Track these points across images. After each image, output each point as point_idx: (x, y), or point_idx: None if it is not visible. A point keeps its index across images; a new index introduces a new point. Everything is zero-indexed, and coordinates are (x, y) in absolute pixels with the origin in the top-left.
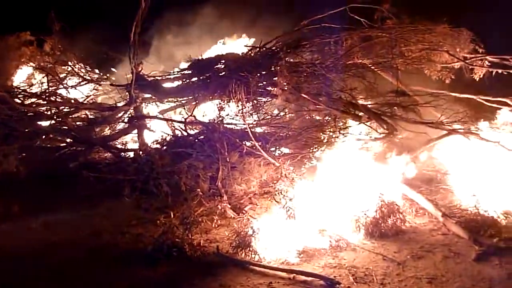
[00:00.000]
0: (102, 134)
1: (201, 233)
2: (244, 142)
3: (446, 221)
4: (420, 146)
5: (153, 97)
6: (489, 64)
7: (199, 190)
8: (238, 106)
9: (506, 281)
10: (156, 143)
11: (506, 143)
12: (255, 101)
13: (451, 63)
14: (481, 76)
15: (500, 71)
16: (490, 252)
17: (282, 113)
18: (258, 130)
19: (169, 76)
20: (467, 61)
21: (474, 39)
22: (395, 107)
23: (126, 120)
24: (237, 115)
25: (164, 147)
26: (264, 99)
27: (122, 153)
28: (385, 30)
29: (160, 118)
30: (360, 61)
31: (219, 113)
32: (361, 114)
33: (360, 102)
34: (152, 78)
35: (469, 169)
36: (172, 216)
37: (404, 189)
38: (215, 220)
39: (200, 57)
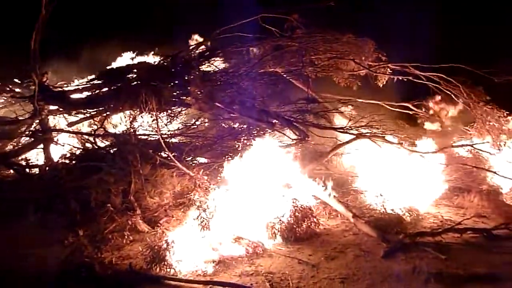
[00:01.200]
0: (4, 150)
1: (113, 250)
2: (158, 153)
3: (356, 221)
4: (331, 150)
5: (60, 109)
6: (391, 71)
7: (109, 205)
8: (151, 116)
9: (411, 275)
10: (64, 158)
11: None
12: (169, 111)
13: (357, 71)
14: (385, 83)
15: (401, 78)
16: (397, 248)
17: (197, 123)
18: (174, 140)
19: (77, 87)
20: (371, 69)
21: (377, 48)
22: (307, 114)
23: (30, 134)
24: (150, 126)
25: (73, 162)
26: (178, 109)
27: (26, 170)
28: (295, 39)
29: (68, 131)
30: (272, 69)
31: (131, 124)
32: (274, 121)
33: (273, 109)
34: (59, 89)
35: (376, 171)
36: (80, 234)
37: (317, 193)
38: (126, 236)
39: (110, 67)
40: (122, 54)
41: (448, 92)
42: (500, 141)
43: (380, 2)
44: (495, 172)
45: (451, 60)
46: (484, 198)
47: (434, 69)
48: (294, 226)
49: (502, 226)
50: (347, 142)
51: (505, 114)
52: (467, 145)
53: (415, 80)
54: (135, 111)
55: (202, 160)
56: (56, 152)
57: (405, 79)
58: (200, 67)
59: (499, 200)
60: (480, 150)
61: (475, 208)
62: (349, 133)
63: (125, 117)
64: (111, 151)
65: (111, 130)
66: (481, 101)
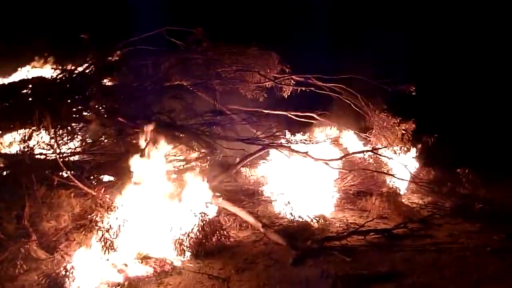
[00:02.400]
0: None
1: (4, 282)
2: (57, 173)
3: (266, 231)
4: (239, 162)
5: None
6: (294, 82)
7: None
8: (48, 134)
9: (320, 280)
10: None
11: (313, 153)
12: (68, 128)
13: (263, 83)
14: (289, 94)
15: (304, 88)
16: (305, 254)
17: (100, 139)
18: (76, 158)
19: None
20: (276, 81)
21: (282, 60)
22: (214, 126)
23: None
24: (48, 145)
25: None
26: (79, 125)
27: None
28: (200, 52)
29: None
30: (178, 82)
31: (26, 143)
32: (180, 134)
33: (179, 122)
34: None
35: (284, 180)
36: None
37: (226, 205)
38: (19, 265)
39: (2, 82)
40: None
41: (348, 101)
42: (396, 146)
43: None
44: (393, 175)
45: (351, 71)
46: (385, 200)
47: (335, 80)
48: (203, 241)
49: (401, 226)
50: (255, 153)
51: (398, 120)
52: (367, 151)
53: (317, 91)
54: (30, 129)
55: (107, 178)
56: None
57: (308, 90)
58: (101, 81)
59: (397, 201)
60: (380, 155)
61: (377, 210)
62: (256, 144)
63: (19, 136)
64: (3, 173)
65: (3, 151)
66: (378, 109)
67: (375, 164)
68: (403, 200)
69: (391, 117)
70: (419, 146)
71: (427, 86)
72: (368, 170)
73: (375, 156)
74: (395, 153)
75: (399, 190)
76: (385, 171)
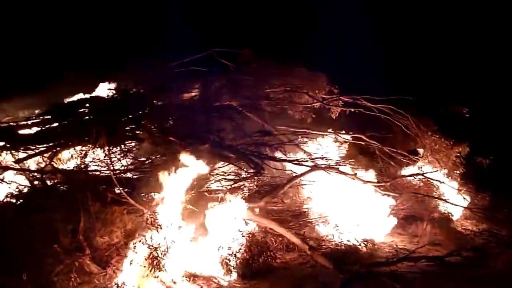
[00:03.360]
0: None
1: None
2: (110, 189)
3: (313, 253)
4: (286, 182)
5: (7, 145)
6: (343, 103)
7: (56, 246)
8: (103, 151)
9: None
10: (11, 197)
11: (362, 176)
12: (122, 146)
13: (311, 104)
14: (337, 115)
15: (352, 110)
16: (353, 279)
17: (152, 157)
18: (128, 175)
19: (26, 122)
20: (324, 102)
21: (330, 81)
22: (262, 146)
23: None
24: (102, 161)
25: (20, 201)
26: (131, 143)
27: None
28: (249, 73)
29: (15, 168)
30: (228, 102)
31: (82, 160)
32: (229, 154)
33: (228, 142)
34: (5, 125)
35: (332, 202)
36: (24, 278)
37: (273, 226)
38: (73, 278)
39: (62, 101)
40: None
41: (398, 123)
42: (448, 169)
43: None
44: (445, 200)
45: (401, 92)
46: (436, 226)
47: (385, 101)
48: (250, 261)
49: (454, 253)
50: (302, 174)
51: (451, 143)
52: (418, 174)
53: (366, 112)
54: (86, 147)
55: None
56: (2, 191)
57: (357, 111)
58: (154, 101)
59: (450, 227)
60: (431, 178)
61: (428, 236)
62: (304, 165)
63: (76, 153)
64: (60, 188)
65: (61, 166)
66: (429, 131)
67: (426, 188)
68: (456, 227)
69: (444, 139)
70: (472, 169)
71: (480, 106)
72: (419, 194)
73: (426, 179)
74: (448, 177)
75: (452, 215)
76: (437, 196)
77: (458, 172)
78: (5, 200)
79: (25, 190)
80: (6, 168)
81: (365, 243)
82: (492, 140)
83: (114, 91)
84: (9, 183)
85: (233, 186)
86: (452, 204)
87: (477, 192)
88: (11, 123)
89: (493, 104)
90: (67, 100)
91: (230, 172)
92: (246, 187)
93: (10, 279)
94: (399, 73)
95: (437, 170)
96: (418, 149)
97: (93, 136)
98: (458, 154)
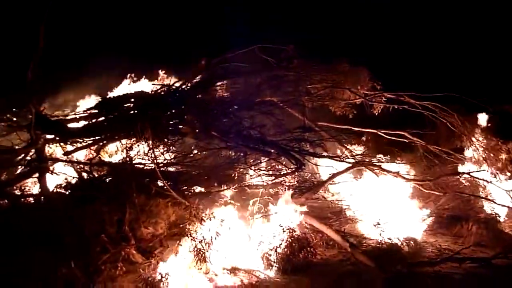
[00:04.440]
0: None
1: (106, 281)
2: (154, 182)
3: (353, 251)
4: (328, 179)
5: (57, 138)
6: (385, 100)
7: (103, 235)
8: (147, 145)
9: None
10: (60, 187)
11: (404, 173)
12: (165, 140)
13: (353, 100)
14: (380, 111)
15: (396, 106)
16: (396, 278)
17: (194, 152)
18: (170, 169)
19: (74, 116)
20: (367, 98)
21: (372, 77)
22: (303, 142)
23: (26, 163)
24: (146, 155)
25: (68, 191)
26: (174, 138)
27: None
28: (291, 69)
29: (64, 160)
30: (269, 98)
31: (127, 153)
32: (270, 150)
33: (269, 138)
34: (55, 118)
35: (373, 199)
36: (73, 266)
37: (313, 222)
38: (120, 267)
39: (108, 96)
40: (121, 82)
41: (444, 121)
42: (496, 169)
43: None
44: (492, 201)
45: (448, 89)
46: (482, 227)
47: (429, 98)
48: (291, 256)
49: (500, 255)
50: (344, 171)
51: (499, 142)
52: (464, 173)
53: (410, 108)
54: (131, 140)
55: (198, 189)
56: (52, 182)
57: (401, 108)
58: (197, 96)
59: (497, 229)
60: (477, 178)
61: (474, 237)
62: (345, 162)
63: (121, 146)
64: (107, 180)
65: (107, 159)
66: (476, 129)
67: (472, 188)
68: (503, 228)
69: (491, 137)
70: None
71: None
72: (464, 194)
73: (472, 179)
74: (495, 176)
75: (499, 216)
76: (483, 196)
77: (507, 171)
78: (55, 191)
79: (74, 181)
80: (56, 159)
81: (407, 242)
82: None
83: (158, 86)
84: (58, 175)
85: (274, 181)
86: (499, 204)
87: None
88: (61, 117)
89: None
90: (113, 94)
91: (271, 168)
92: (287, 183)
93: (61, 266)
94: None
95: (484, 170)
96: (464, 147)
97: (138, 130)
98: (507, 153)
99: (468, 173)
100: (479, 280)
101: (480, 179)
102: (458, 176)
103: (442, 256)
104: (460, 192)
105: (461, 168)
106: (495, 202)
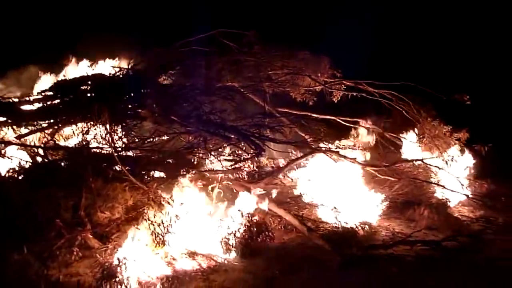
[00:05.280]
0: None
1: (60, 267)
2: (111, 167)
3: (311, 235)
4: (286, 165)
5: (9, 121)
6: (345, 87)
7: (58, 220)
8: (105, 129)
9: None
10: (13, 172)
11: (360, 159)
12: (123, 124)
13: (313, 87)
14: (339, 99)
15: (354, 94)
16: (350, 261)
17: (153, 137)
18: (129, 153)
19: (28, 98)
20: (326, 85)
21: (333, 65)
22: (263, 128)
23: None
24: (104, 139)
25: (22, 176)
26: (133, 122)
27: None
28: (252, 54)
29: (17, 144)
30: (230, 83)
31: (84, 137)
32: (230, 135)
33: (229, 123)
34: (7, 100)
35: (330, 185)
36: (25, 251)
37: (272, 207)
38: (75, 252)
39: (63, 78)
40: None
41: (399, 108)
42: (447, 155)
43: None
44: (443, 186)
45: (403, 78)
46: (434, 211)
47: (386, 86)
48: (249, 241)
49: (450, 238)
50: (302, 156)
51: (450, 129)
52: (417, 160)
53: (368, 96)
54: (88, 124)
55: (157, 174)
56: (4, 166)
57: (359, 95)
58: (157, 80)
59: (447, 213)
60: (430, 165)
61: (425, 221)
62: (305, 147)
63: (78, 130)
64: (62, 164)
65: (62, 143)
66: (430, 117)
67: (424, 174)
68: (453, 213)
69: (444, 125)
70: (471, 156)
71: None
72: (417, 180)
73: (425, 165)
74: (446, 163)
75: (449, 201)
76: (435, 182)
77: (456, 158)
78: (7, 175)
79: (27, 165)
80: (8, 143)
81: (362, 226)
82: (491, 128)
83: (117, 69)
84: (11, 158)
85: (233, 166)
86: (450, 190)
87: (476, 179)
88: (13, 99)
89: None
90: (69, 77)
91: (231, 153)
92: (247, 168)
93: (13, 252)
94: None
95: (436, 156)
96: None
97: (95, 113)
98: (458, 141)
99: (421, 160)
100: (430, 262)
101: (433, 166)
102: (411, 163)
103: (395, 239)
104: (414, 178)
105: (414, 155)
106: (446, 188)
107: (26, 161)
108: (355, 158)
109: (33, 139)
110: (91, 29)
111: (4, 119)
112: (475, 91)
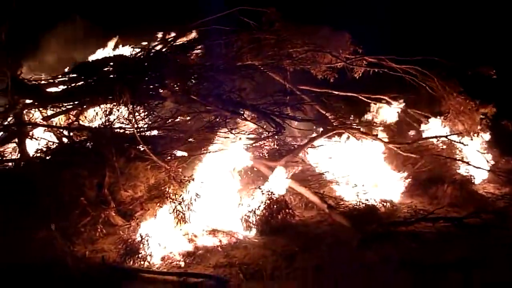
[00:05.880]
0: None
1: (86, 244)
2: (134, 146)
3: (331, 212)
4: (307, 142)
5: (36, 103)
6: (366, 64)
7: (83, 199)
8: (127, 109)
9: (384, 263)
10: (40, 152)
11: (382, 137)
12: (145, 104)
13: (334, 63)
14: (361, 75)
15: (377, 70)
16: (370, 237)
17: (174, 116)
18: (152, 133)
19: (53, 81)
20: (348, 62)
21: (354, 41)
22: (283, 106)
23: (4, 128)
24: (126, 119)
25: (48, 156)
26: (154, 102)
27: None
28: (272, 32)
29: (43, 125)
30: (250, 62)
31: (107, 117)
32: (250, 113)
33: (249, 102)
34: (33, 83)
35: (352, 162)
36: (52, 228)
37: (293, 185)
38: (99, 229)
39: (86, 60)
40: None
41: (424, 85)
42: (473, 132)
43: None
44: (468, 163)
45: (427, 53)
46: (457, 188)
47: (410, 61)
48: (269, 218)
49: (472, 215)
50: (323, 134)
51: (477, 104)
52: (440, 136)
53: (390, 72)
54: (111, 105)
55: (179, 153)
56: (32, 147)
57: (381, 71)
58: (177, 60)
59: (471, 190)
60: (454, 141)
61: (448, 198)
62: (326, 125)
63: (101, 111)
64: (87, 145)
65: (87, 124)
66: (455, 93)
67: (449, 150)
68: (478, 190)
69: (469, 101)
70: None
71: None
72: (441, 156)
73: (449, 142)
74: (472, 139)
75: (474, 178)
76: (459, 158)
77: (482, 134)
78: (35, 156)
79: (54, 146)
80: (35, 124)
81: (384, 203)
82: None
83: (138, 50)
84: (38, 139)
85: (253, 144)
86: (474, 167)
87: (502, 155)
88: (39, 81)
89: None
90: (92, 58)
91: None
92: (267, 146)
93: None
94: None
95: (461, 133)
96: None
97: (117, 94)
98: (484, 116)
99: (446, 136)
100: (451, 238)
101: (457, 142)
102: (436, 140)
103: (417, 216)
104: (438, 154)
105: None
106: (470, 164)
107: (53, 142)
108: (377, 135)
109: (59, 120)
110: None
111: (31, 101)
112: (502, 65)
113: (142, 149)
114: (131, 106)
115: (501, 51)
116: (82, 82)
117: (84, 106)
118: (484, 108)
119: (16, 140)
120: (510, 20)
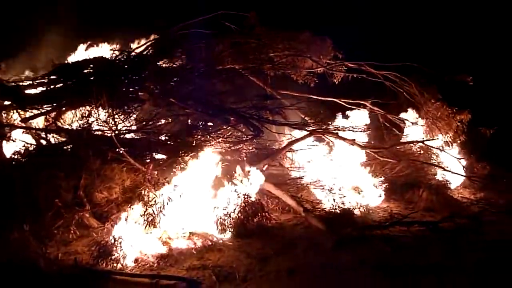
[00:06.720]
0: None
1: (59, 246)
2: (112, 149)
3: (307, 215)
4: (285, 146)
5: (14, 105)
6: (346, 69)
7: (57, 200)
8: (105, 112)
9: (358, 267)
10: (17, 154)
11: (360, 141)
12: (124, 107)
13: (315, 68)
14: (340, 80)
15: (355, 75)
16: (345, 241)
17: (153, 119)
18: (129, 136)
19: (32, 82)
20: (328, 67)
21: (335, 46)
22: (263, 110)
23: None
24: (105, 122)
25: (25, 158)
26: (134, 105)
27: None
28: (253, 36)
29: (21, 127)
30: (230, 66)
31: (86, 120)
32: (229, 117)
33: (229, 105)
34: (12, 84)
35: (329, 167)
36: (26, 229)
37: (270, 188)
38: (73, 231)
39: (66, 62)
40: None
41: (402, 90)
42: (449, 138)
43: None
44: (444, 168)
45: (406, 60)
46: (433, 193)
47: (389, 67)
48: (245, 221)
49: (447, 219)
50: (302, 138)
51: (454, 111)
52: (418, 141)
53: (370, 78)
54: (89, 107)
55: (159, 156)
56: (9, 149)
57: (360, 77)
58: (157, 63)
59: (447, 195)
60: (430, 146)
61: (424, 202)
62: (304, 129)
63: (80, 113)
64: (64, 147)
65: (66, 126)
66: (433, 99)
67: (425, 155)
68: (453, 194)
69: (446, 107)
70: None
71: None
72: (418, 161)
73: (426, 147)
74: (448, 145)
75: (449, 183)
76: (436, 163)
77: (459, 140)
78: (12, 158)
79: (31, 148)
80: (13, 126)
81: (359, 207)
82: (495, 110)
83: (117, 53)
84: (15, 141)
85: (232, 148)
86: (450, 172)
87: (477, 161)
88: (18, 83)
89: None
90: (71, 60)
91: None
92: (245, 150)
93: (13, 231)
94: (404, 40)
95: (437, 138)
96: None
97: (93, 96)
98: (460, 123)
99: (422, 142)
100: (425, 242)
101: (434, 148)
102: (412, 145)
103: (392, 220)
104: (414, 159)
105: (415, 137)
106: (446, 170)
107: (31, 144)
108: (354, 140)
109: (37, 122)
110: (93, 13)
111: (9, 102)
112: (480, 73)
113: (119, 151)
114: (109, 108)
115: (479, 59)
116: (61, 84)
117: (63, 108)
118: (461, 114)
119: None
120: (488, 28)
